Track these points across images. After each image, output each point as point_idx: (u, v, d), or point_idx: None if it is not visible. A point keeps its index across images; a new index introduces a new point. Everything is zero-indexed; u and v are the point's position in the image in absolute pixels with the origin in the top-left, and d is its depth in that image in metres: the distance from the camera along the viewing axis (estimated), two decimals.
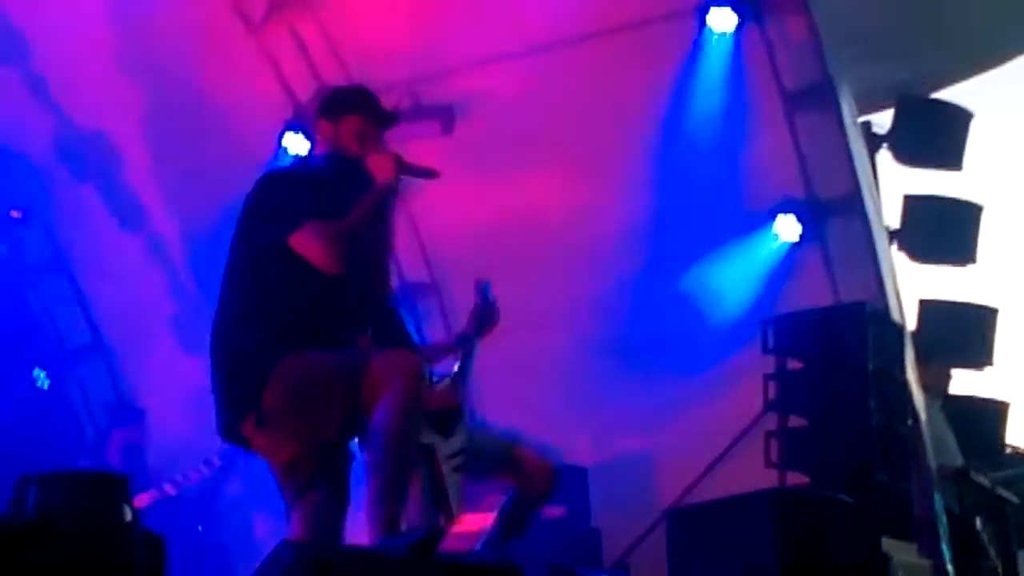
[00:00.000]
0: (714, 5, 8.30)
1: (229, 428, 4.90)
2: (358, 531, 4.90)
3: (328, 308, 4.93)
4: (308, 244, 4.75)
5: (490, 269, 6.05)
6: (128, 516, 4.12)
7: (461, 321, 9.26)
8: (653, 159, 8.88)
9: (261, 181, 5.07)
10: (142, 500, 8.12)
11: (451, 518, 5.63)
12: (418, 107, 9.14)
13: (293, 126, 9.26)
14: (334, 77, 9.14)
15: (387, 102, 8.24)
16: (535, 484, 5.28)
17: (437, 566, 5.99)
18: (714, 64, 8.48)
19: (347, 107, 5.30)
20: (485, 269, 6.16)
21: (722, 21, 8.32)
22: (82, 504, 4.00)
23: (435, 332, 9.43)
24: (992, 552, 9.29)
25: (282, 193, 4.97)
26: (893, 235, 9.35)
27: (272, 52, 9.30)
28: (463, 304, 9.03)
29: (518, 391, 8.95)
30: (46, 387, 10.24)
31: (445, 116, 9.10)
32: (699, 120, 8.61)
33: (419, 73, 9.09)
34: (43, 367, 10.18)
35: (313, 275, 4.80)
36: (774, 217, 8.63)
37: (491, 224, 9.08)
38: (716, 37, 8.37)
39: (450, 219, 9.34)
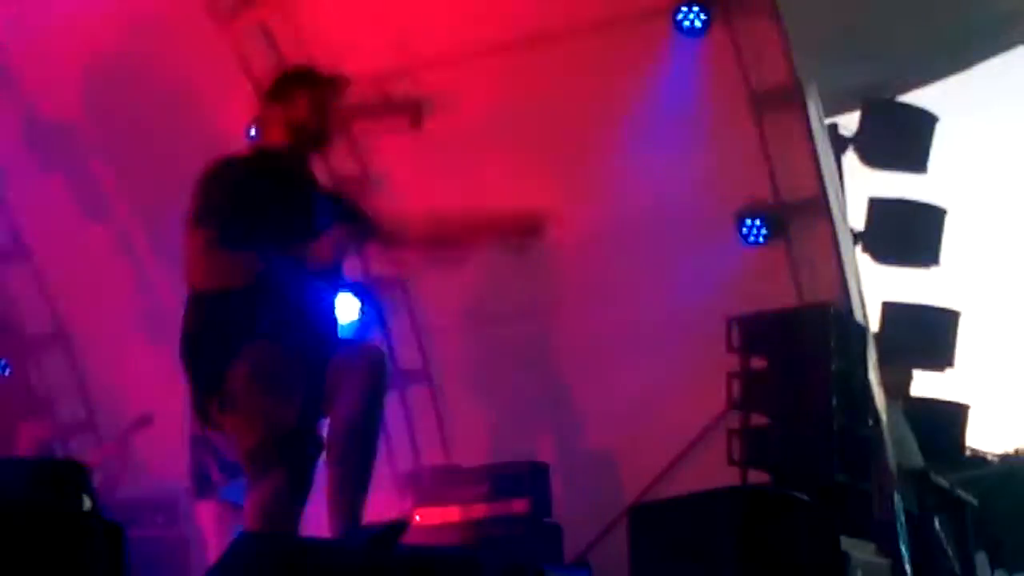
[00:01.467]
0: (684, 5, 8.25)
1: (201, 411, 4.95)
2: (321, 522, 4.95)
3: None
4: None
5: (454, 263, 6.10)
6: (87, 505, 4.13)
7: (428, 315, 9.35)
8: (620, 159, 8.87)
9: (201, 173, 5.12)
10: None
11: None
12: (387, 102, 9.15)
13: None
14: None
15: (355, 95, 8.28)
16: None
17: (398, 559, 5.97)
18: (683, 65, 8.46)
19: (295, 85, 5.34)
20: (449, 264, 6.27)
21: (691, 22, 8.27)
22: (40, 491, 4.01)
23: (402, 324, 9.54)
24: (950, 552, 9.39)
25: (205, 190, 5.03)
26: (858, 237, 9.37)
27: (241, 46, 9.24)
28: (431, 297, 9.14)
29: (480, 387, 9.01)
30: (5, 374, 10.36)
31: (413, 111, 9.11)
32: (667, 120, 8.57)
33: (388, 68, 9.05)
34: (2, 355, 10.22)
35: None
36: (741, 218, 8.62)
37: None
38: (685, 38, 8.34)
39: (415, 213, 9.37)
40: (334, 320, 5.38)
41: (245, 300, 4.84)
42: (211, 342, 4.85)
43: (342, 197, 5.92)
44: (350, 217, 5.47)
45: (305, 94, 5.23)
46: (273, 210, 5.02)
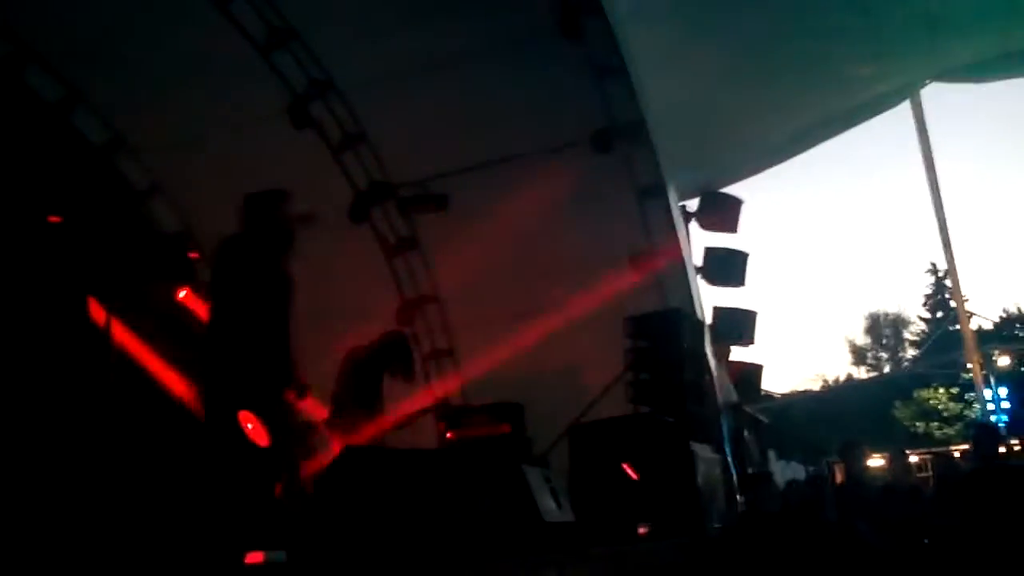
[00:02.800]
0: (593, 144, 8.13)
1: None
2: None
3: None
4: None
5: None
6: None
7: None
8: (554, 229, 8.51)
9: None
10: None
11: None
12: (424, 193, 8.88)
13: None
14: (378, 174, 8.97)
15: (404, 192, 7.92)
16: None
17: (448, 452, 5.96)
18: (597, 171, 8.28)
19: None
20: None
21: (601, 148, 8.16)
22: None
23: None
24: (754, 450, 9.62)
25: None
26: (698, 269, 9.29)
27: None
28: None
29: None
30: None
31: (440, 200, 8.83)
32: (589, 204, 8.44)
33: (425, 173, 8.85)
34: None
35: None
36: (632, 263, 8.56)
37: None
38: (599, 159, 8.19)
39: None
40: None
41: None
42: None
43: None
44: None
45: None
46: None
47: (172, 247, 8.55)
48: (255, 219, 4.64)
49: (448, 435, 7.38)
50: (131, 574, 2.55)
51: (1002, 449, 7.95)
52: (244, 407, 4.20)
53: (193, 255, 8.21)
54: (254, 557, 2.82)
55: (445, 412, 8.32)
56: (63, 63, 8.08)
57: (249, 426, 4.65)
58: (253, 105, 8.27)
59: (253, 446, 4.05)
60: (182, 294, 7.55)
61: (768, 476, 8.00)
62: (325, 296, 5.05)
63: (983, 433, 7.01)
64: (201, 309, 5.94)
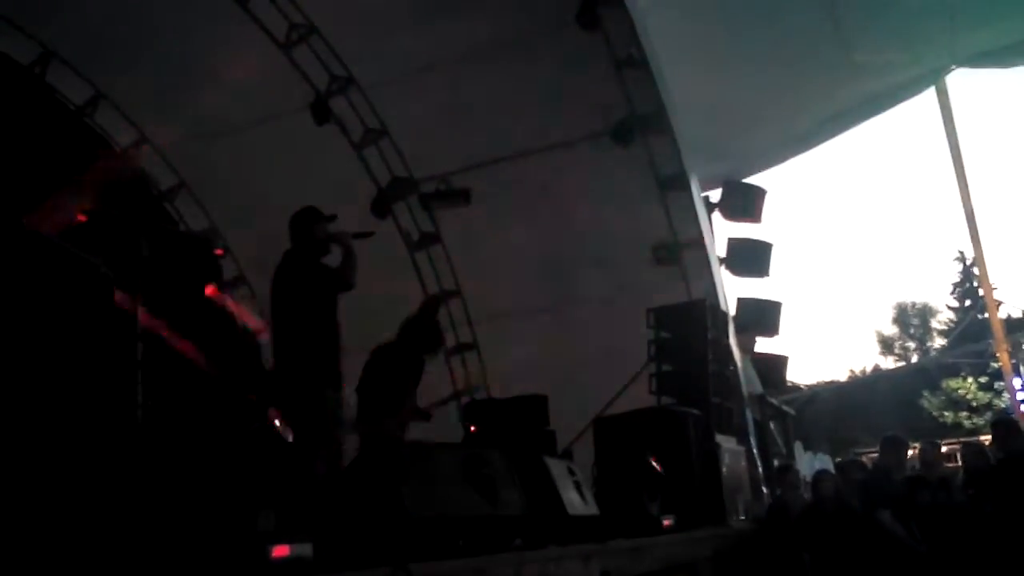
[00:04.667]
0: (614, 136, 8.14)
1: None
2: None
3: None
4: None
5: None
6: None
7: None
8: (581, 216, 8.59)
9: None
10: None
11: None
12: (447, 188, 8.85)
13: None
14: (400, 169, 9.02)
15: (426, 187, 7.91)
16: None
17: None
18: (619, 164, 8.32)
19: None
20: None
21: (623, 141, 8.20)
22: None
23: None
24: (780, 442, 9.56)
25: None
26: (722, 260, 9.24)
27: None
28: None
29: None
30: None
31: (463, 195, 8.74)
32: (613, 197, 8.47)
33: (447, 168, 8.83)
34: None
35: None
36: (655, 254, 8.60)
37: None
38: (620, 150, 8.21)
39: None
40: None
41: None
42: None
43: None
44: None
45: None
46: None
47: (198, 245, 8.64)
48: (300, 234, 5.02)
49: (472, 428, 7.32)
50: (154, 568, 2.58)
51: None
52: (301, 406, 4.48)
53: (218, 252, 8.27)
54: (280, 551, 2.84)
55: (469, 405, 8.31)
56: (85, 64, 8.17)
57: (277, 423, 4.71)
58: (275, 102, 8.33)
59: (282, 440, 4.09)
60: (209, 291, 7.60)
61: (791, 467, 7.93)
62: (348, 293, 5.13)
63: (1002, 426, 6.97)
64: (227, 306, 6.00)
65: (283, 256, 5.03)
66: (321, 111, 8.46)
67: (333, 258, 5.03)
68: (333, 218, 5.12)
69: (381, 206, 9.01)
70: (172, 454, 3.16)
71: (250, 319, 6.18)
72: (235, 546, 2.87)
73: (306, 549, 2.92)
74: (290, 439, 4.45)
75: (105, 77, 8.42)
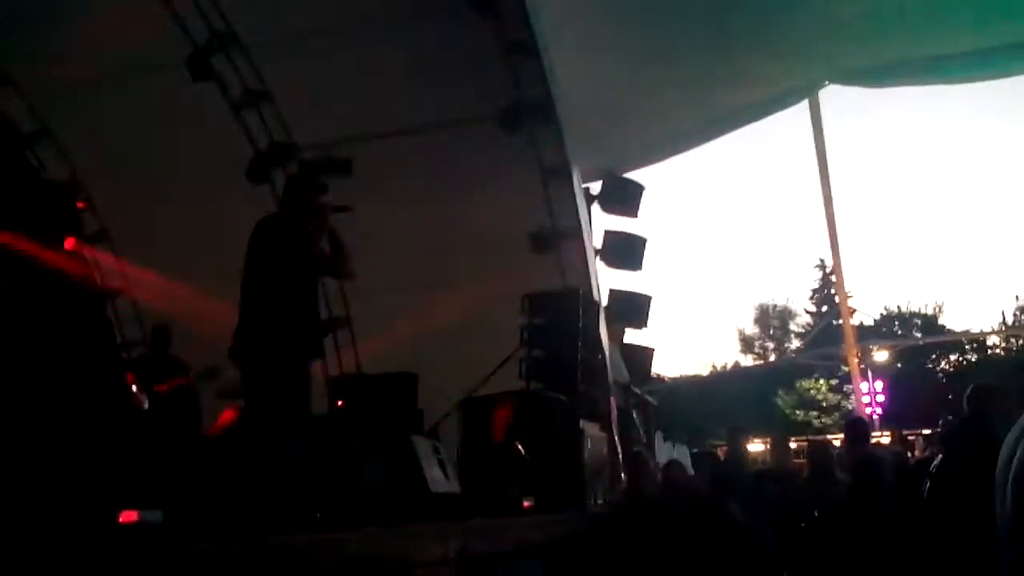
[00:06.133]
0: (500, 121, 8.13)
1: None
2: None
3: None
4: None
5: None
6: None
7: None
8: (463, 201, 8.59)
9: None
10: None
11: None
12: (328, 157, 8.59)
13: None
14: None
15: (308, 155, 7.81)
16: None
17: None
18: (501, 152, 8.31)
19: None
20: None
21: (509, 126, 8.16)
22: None
23: None
24: (641, 431, 9.82)
25: None
26: (598, 252, 9.32)
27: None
28: None
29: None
30: None
31: (344, 165, 8.44)
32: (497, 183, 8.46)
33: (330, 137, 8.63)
34: None
35: None
36: (533, 241, 8.64)
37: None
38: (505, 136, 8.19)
39: None
40: None
41: None
42: None
43: None
44: None
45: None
46: None
47: (59, 194, 8.21)
48: (292, 200, 4.98)
49: (339, 403, 7.23)
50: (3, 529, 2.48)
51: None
52: (277, 376, 4.46)
53: (80, 204, 7.89)
54: (128, 516, 2.77)
55: (337, 380, 8.19)
56: None
57: (133, 387, 4.57)
58: (150, 54, 7.97)
59: (134, 406, 4.00)
60: (68, 244, 7.27)
61: (642, 455, 8.17)
62: (222, 255, 5.02)
63: (855, 426, 7.39)
64: (84, 262, 5.74)
65: (271, 217, 4.96)
66: (199, 67, 8.14)
67: None
68: (326, 189, 5.04)
69: (257, 170, 8.75)
70: (17, 417, 3.04)
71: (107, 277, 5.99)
72: (80, 510, 2.78)
73: (156, 515, 2.85)
74: (145, 405, 4.34)
75: None
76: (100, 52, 7.83)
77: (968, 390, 5.07)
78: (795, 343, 43.69)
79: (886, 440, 15.28)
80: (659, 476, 7.13)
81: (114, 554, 2.35)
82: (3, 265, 3.69)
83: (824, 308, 40.70)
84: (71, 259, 4.02)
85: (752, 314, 48.04)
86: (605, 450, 7.47)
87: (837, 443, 15.15)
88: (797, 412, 35.62)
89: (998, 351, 37.44)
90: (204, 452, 4.28)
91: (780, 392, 36.33)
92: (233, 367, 4.84)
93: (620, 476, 7.95)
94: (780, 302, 47.55)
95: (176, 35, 7.96)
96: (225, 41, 8.18)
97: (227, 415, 6.11)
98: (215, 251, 5.85)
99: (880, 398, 25.49)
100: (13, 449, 2.86)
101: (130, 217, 8.84)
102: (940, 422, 9.85)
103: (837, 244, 17.27)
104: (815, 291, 42.56)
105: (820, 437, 22.22)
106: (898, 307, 40.92)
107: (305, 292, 4.92)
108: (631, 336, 10.03)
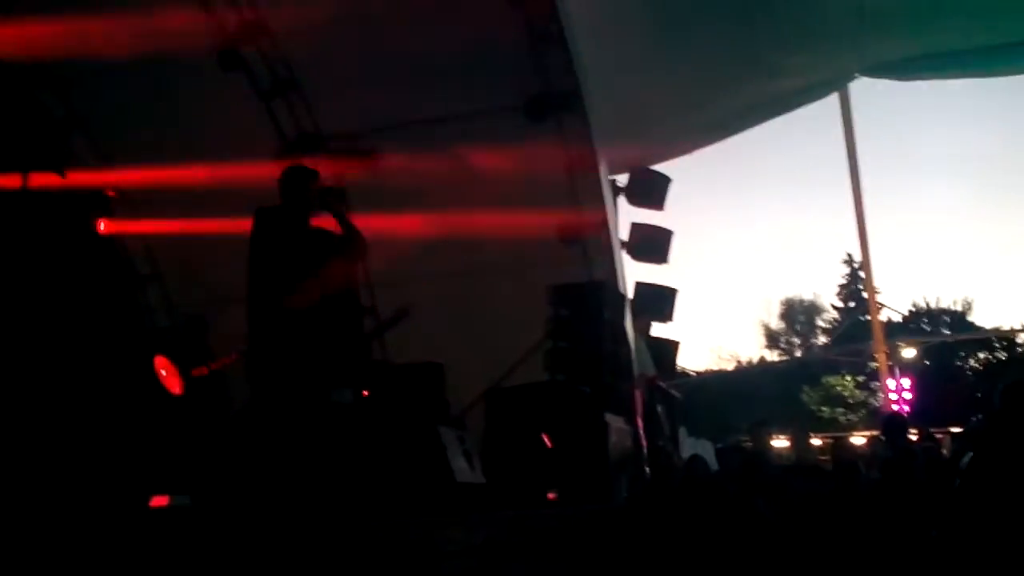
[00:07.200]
0: (527, 111, 8.13)
1: None
2: None
3: None
4: None
5: None
6: None
7: None
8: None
9: None
10: None
11: None
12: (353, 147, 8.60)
13: None
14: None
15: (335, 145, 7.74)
16: None
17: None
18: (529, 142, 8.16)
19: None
20: None
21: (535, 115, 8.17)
22: None
23: None
24: (666, 426, 9.81)
25: None
26: (624, 244, 9.34)
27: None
28: None
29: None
30: None
31: (368, 152, 8.48)
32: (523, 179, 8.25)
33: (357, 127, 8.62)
34: None
35: None
36: (559, 232, 8.57)
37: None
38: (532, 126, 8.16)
39: None
40: None
41: None
42: None
43: None
44: None
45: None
46: None
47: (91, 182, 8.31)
48: (291, 190, 4.93)
49: (364, 392, 7.32)
50: (35, 514, 2.51)
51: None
52: (281, 366, 4.38)
53: (111, 193, 7.99)
54: (159, 501, 2.81)
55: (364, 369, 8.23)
56: None
57: (163, 372, 4.59)
58: (180, 44, 8.00)
59: (166, 393, 4.01)
60: (101, 227, 7.38)
61: (664, 450, 8.15)
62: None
63: (893, 420, 7.33)
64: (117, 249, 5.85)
65: (268, 211, 4.90)
66: (229, 57, 8.17)
67: None
68: (317, 175, 5.05)
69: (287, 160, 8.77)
70: (51, 406, 3.08)
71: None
72: (113, 495, 2.82)
73: (184, 500, 2.89)
74: (176, 392, 4.36)
75: None
76: (131, 40, 7.87)
77: (999, 387, 5.03)
78: (821, 339, 43.38)
79: (913, 438, 15.14)
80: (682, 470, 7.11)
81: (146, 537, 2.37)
82: (36, 251, 3.73)
83: (851, 304, 40.40)
84: (103, 245, 4.05)
85: (778, 309, 47.70)
86: (630, 443, 7.53)
87: (861, 441, 15.12)
88: (823, 408, 35.35)
89: None
90: (232, 440, 4.29)
91: (806, 388, 36.07)
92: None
93: (644, 470, 7.95)
94: (807, 297, 47.21)
95: (206, 25, 7.98)
96: (254, 29, 8.19)
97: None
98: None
99: (907, 395, 25.24)
100: (41, 436, 2.90)
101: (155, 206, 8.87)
102: (972, 419, 9.78)
103: (866, 239, 17.14)
104: (842, 286, 42.22)
105: (841, 434, 22.09)
106: (927, 303, 40.47)
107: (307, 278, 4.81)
108: (657, 329, 10.00)
